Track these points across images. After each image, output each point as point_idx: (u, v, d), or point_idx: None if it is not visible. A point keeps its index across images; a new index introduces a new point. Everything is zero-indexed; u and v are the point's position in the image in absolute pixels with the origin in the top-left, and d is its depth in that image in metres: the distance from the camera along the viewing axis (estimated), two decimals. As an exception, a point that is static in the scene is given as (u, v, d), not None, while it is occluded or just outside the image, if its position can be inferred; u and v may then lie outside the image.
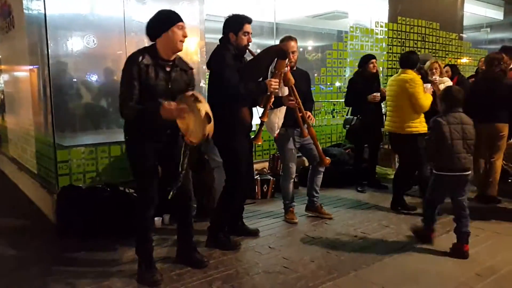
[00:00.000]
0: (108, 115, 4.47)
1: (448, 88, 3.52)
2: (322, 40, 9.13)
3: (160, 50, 2.73)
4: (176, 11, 2.77)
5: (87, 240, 3.53)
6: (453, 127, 3.27)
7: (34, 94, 4.74)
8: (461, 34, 8.45)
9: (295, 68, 3.94)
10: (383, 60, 6.89)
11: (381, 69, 6.69)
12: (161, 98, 2.64)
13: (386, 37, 6.95)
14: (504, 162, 5.03)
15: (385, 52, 6.95)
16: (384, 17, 7.00)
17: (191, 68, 2.96)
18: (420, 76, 4.36)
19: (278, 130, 3.87)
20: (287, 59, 3.35)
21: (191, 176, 3.15)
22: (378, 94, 5.07)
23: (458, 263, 3.16)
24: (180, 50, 2.77)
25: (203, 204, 4.19)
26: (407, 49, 7.03)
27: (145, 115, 2.62)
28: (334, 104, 6.57)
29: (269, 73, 3.49)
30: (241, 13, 3.32)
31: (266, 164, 5.48)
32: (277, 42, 4.18)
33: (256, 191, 4.87)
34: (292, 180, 4.13)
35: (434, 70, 4.96)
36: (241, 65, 3.28)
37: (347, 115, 5.55)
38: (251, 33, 3.30)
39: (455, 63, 7.58)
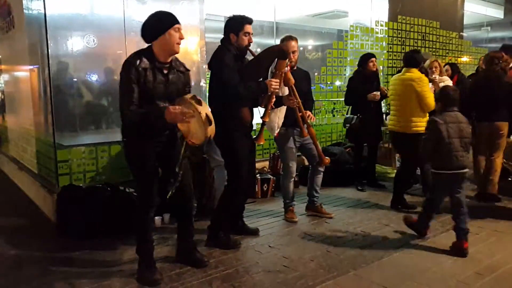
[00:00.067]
0: (108, 115, 4.47)
1: (444, 88, 3.55)
2: (322, 39, 9.14)
3: (157, 53, 2.69)
4: (176, 11, 2.76)
5: (87, 239, 3.53)
6: (450, 126, 3.29)
7: (34, 94, 4.75)
8: (461, 33, 8.45)
9: (295, 68, 3.93)
10: (383, 59, 6.89)
11: (381, 68, 6.69)
12: (159, 101, 2.64)
13: (386, 36, 6.94)
14: (504, 160, 5.02)
15: (385, 51, 6.95)
16: (384, 16, 7.00)
17: (188, 70, 2.95)
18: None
19: (278, 130, 3.88)
20: (287, 59, 3.35)
21: (191, 176, 3.15)
22: (378, 92, 5.06)
23: (458, 261, 3.16)
24: (177, 53, 2.74)
25: (203, 203, 4.20)
26: (407, 48, 7.03)
27: (149, 119, 2.61)
28: (334, 103, 6.56)
29: (269, 73, 3.50)
30: (241, 12, 3.33)
31: (266, 163, 5.48)
32: (277, 41, 4.18)
33: (256, 190, 4.88)
34: (292, 179, 4.14)
35: (433, 69, 4.97)
36: (242, 65, 3.28)
37: (347, 114, 5.55)
38: (252, 34, 3.30)
39: (456, 62, 7.58)
